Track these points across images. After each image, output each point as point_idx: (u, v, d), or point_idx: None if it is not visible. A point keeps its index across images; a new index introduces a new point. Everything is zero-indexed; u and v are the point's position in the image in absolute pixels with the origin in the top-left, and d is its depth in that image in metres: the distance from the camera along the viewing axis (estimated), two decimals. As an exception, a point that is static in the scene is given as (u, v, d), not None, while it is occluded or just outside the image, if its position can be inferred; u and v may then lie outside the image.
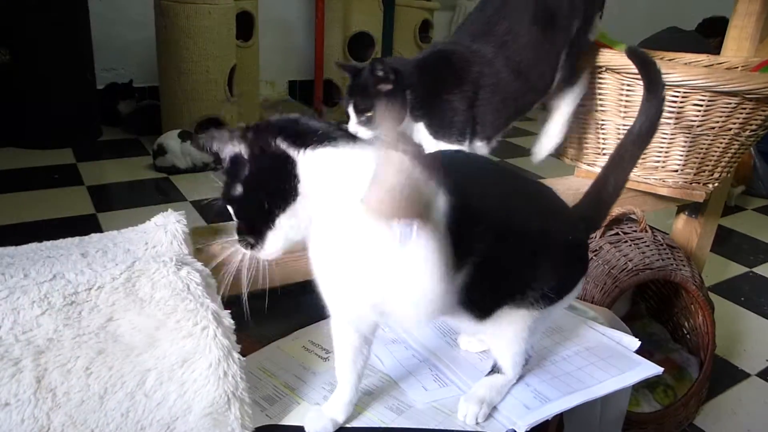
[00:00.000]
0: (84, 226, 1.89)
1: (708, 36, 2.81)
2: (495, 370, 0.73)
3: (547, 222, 0.68)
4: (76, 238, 0.81)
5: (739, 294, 1.90)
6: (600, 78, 1.14)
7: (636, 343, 0.80)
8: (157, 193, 2.33)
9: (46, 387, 0.58)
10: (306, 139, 0.58)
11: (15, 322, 0.63)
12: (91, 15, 2.66)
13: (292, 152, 0.57)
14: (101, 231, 1.74)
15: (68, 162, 2.50)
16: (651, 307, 1.50)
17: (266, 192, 0.58)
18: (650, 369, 0.74)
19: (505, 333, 0.70)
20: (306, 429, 0.66)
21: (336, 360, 0.67)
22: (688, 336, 1.42)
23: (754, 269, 2.10)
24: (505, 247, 0.64)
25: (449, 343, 0.81)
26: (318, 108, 3.19)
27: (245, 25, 2.78)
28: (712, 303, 1.31)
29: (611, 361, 0.76)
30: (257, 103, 3.07)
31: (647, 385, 1.32)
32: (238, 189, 0.59)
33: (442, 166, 0.57)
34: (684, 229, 1.52)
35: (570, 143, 1.29)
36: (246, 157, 0.58)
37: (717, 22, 2.84)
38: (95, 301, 0.66)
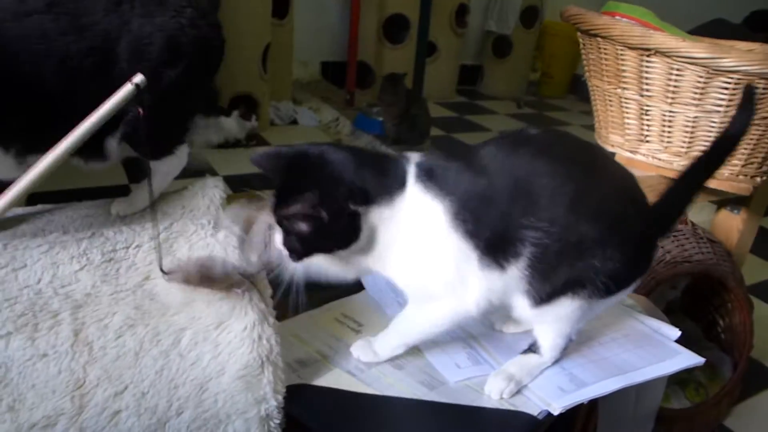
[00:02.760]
0: (117, 195, 1.91)
1: (756, 30, 2.72)
2: (531, 349, 0.71)
3: (624, 208, 0.66)
4: (113, 200, 0.82)
5: (776, 296, 1.85)
6: (647, 62, 1.11)
7: (676, 332, 0.78)
8: (189, 167, 2.34)
9: (83, 340, 0.59)
10: (370, 196, 0.62)
11: (54, 276, 0.64)
12: None
13: (360, 209, 0.62)
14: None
15: (103, 133, 2.53)
16: (685, 304, 1.47)
17: (332, 239, 0.63)
18: (690, 359, 0.72)
19: (554, 318, 0.68)
20: (353, 352, 0.71)
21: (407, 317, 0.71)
22: (722, 335, 1.38)
23: (794, 273, 2.04)
24: (568, 231, 0.62)
25: (483, 322, 0.79)
26: (350, 89, 3.16)
27: (281, 3, 2.77)
28: (751, 301, 1.27)
29: (649, 349, 0.74)
30: (290, 81, 3.06)
31: (678, 381, 1.29)
32: (303, 233, 0.62)
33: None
34: (724, 224, 1.47)
35: (612, 128, 1.26)
36: (318, 218, 0.60)
37: (765, 15, 2.75)
38: (133, 259, 0.66)
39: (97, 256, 0.65)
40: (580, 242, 0.63)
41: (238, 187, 0.97)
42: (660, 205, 0.73)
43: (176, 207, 0.77)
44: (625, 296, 0.73)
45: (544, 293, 0.65)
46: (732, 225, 1.46)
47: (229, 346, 0.60)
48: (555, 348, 0.70)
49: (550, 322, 0.69)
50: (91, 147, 0.71)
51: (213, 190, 0.79)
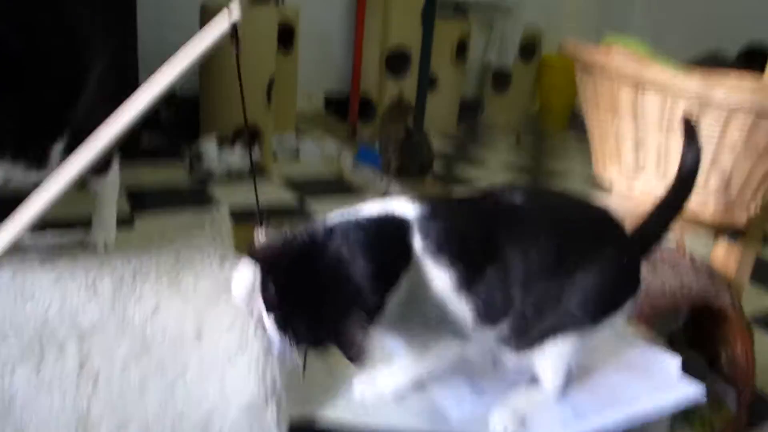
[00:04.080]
0: (121, 226, 1.92)
1: (749, 65, 2.76)
2: (533, 381, 0.72)
3: (598, 252, 0.68)
4: (122, 230, 0.83)
5: (777, 326, 1.85)
6: (642, 94, 1.13)
7: (677, 362, 0.78)
8: (192, 198, 2.36)
9: (88, 372, 0.60)
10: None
11: (62, 307, 0.65)
12: (138, 20, 2.73)
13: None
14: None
15: (108, 164, 2.56)
16: (687, 336, 1.47)
17: None
18: (692, 388, 0.72)
19: (548, 357, 0.71)
20: (356, 387, 0.70)
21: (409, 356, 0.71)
22: (725, 367, 1.37)
23: (794, 303, 2.04)
24: (549, 286, 0.66)
25: (485, 357, 0.80)
26: (353, 122, 3.21)
27: (286, 36, 2.83)
28: (752, 332, 1.27)
29: (651, 378, 0.75)
30: (294, 113, 3.11)
31: (684, 416, 1.28)
32: None
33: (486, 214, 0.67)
34: (722, 255, 1.48)
35: (609, 161, 1.28)
36: None
37: (758, 54, 2.80)
38: (140, 290, 0.67)
39: (105, 286, 0.66)
40: (561, 297, 0.66)
41: (242, 219, 0.99)
42: (641, 226, 0.78)
43: (183, 237, 0.79)
44: (620, 320, 0.74)
45: (526, 343, 0.69)
46: (730, 255, 1.47)
47: (235, 380, 0.60)
48: (557, 381, 0.71)
49: (545, 361, 0.71)
50: (35, 153, 0.69)
51: (219, 221, 0.81)
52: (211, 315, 0.64)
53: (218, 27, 0.58)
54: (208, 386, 0.59)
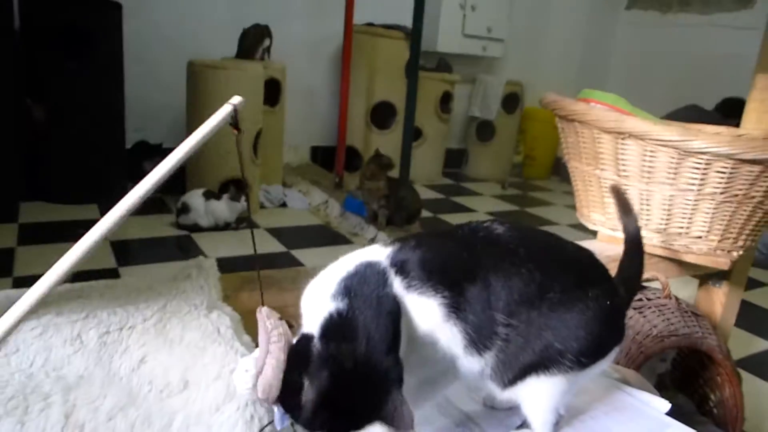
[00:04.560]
0: (107, 277, 1.91)
1: (727, 117, 2.86)
2: (524, 425, 0.71)
3: (584, 290, 0.68)
4: (108, 281, 0.83)
5: (765, 369, 1.85)
6: (623, 144, 1.17)
7: (666, 405, 0.78)
8: (178, 250, 2.36)
9: (73, 423, 0.58)
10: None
11: (47, 360, 0.64)
12: (125, 76, 2.78)
13: None
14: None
15: (93, 217, 2.52)
16: (676, 378, 1.47)
17: None
18: (682, 431, 0.72)
19: (535, 397, 0.70)
20: None
21: None
22: (714, 409, 1.37)
23: (781, 346, 2.05)
24: (533, 322, 0.66)
25: (475, 399, 0.79)
26: (339, 173, 3.25)
27: (272, 91, 2.89)
28: (739, 374, 1.28)
29: (641, 422, 0.74)
30: (280, 165, 3.14)
31: (675, 459, 1.27)
32: None
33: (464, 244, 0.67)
34: (707, 299, 1.50)
35: (593, 207, 1.31)
36: None
37: (736, 103, 2.90)
38: (126, 341, 0.66)
39: (90, 339, 0.65)
40: (542, 332, 0.66)
41: (228, 270, 0.99)
42: (621, 271, 0.80)
43: (170, 288, 0.78)
44: (606, 367, 0.74)
45: (507, 379, 0.68)
46: (715, 299, 1.49)
47: (222, 428, 0.59)
48: (546, 425, 0.71)
49: (532, 401, 0.70)
50: None
51: (206, 271, 0.81)
52: (198, 365, 0.64)
53: (222, 111, 0.62)
54: (195, 437, 0.59)
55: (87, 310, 0.70)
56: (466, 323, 0.64)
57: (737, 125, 1.48)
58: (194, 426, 0.60)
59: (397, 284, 0.64)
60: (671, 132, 1.10)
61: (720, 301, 1.49)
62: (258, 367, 0.59)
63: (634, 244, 0.84)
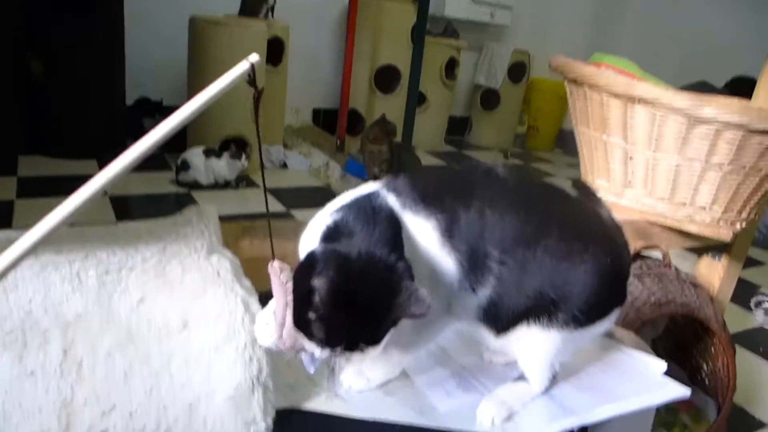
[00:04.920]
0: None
1: (736, 95, 2.82)
2: (521, 378, 0.72)
3: (582, 243, 0.67)
4: (108, 224, 0.82)
5: (758, 345, 1.87)
6: (632, 109, 1.15)
7: (663, 366, 0.78)
8: (177, 207, 2.34)
9: (72, 359, 0.58)
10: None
11: (45, 297, 0.64)
12: (126, 32, 2.74)
13: None
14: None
15: (92, 172, 2.51)
16: (669, 349, 1.48)
17: None
18: (677, 391, 0.73)
19: (531, 350, 0.70)
20: (343, 380, 0.70)
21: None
22: (706, 379, 1.39)
23: (774, 323, 2.07)
24: (528, 265, 0.65)
25: (473, 352, 0.80)
26: (341, 136, 3.22)
27: (275, 51, 2.85)
28: (733, 345, 1.28)
29: (637, 380, 0.75)
30: (281, 127, 3.12)
31: (663, 423, 1.29)
32: None
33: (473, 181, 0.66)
34: (706, 272, 1.50)
35: (597, 174, 1.30)
36: None
37: (746, 82, 2.86)
38: (126, 281, 0.66)
39: (89, 278, 0.65)
40: (536, 276, 0.65)
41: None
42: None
43: (170, 232, 0.78)
44: (605, 328, 0.74)
45: (501, 323, 0.68)
46: (713, 272, 1.49)
47: (221, 368, 0.59)
48: (542, 378, 0.71)
49: (526, 354, 0.70)
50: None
51: (207, 217, 0.80)
52: (197, 306, 0.63)
53: (238, 68, 0.60)
54: (193, 375, 0.58)
55: (86, 250, 0.69)
56: (459, 253, 0.63)
57: (746, 103, 1.46)
58: (193, 365, 0.60)
59: (393, 202, 0.64)
60: (682, 98, 1.08)
61: (718, 275, 1.48)
62: (279, 318, 0.58)
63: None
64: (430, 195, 0.65)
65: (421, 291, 0.57)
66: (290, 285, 0.59)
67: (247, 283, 0.68)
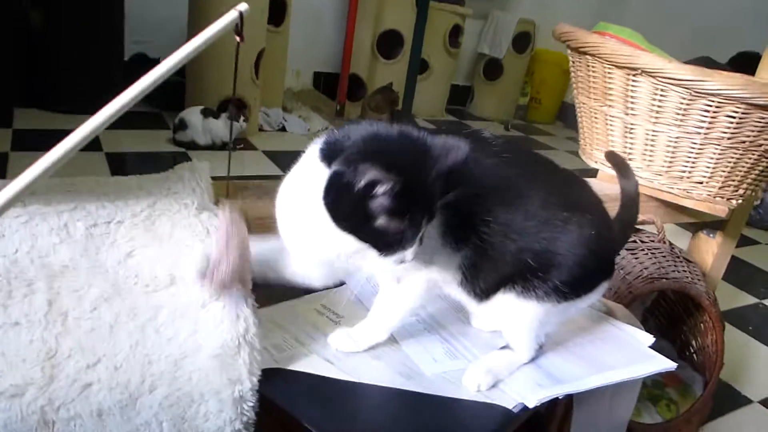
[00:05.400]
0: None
1: (739, 71, 2.78)
2: (507, 347, 0.72)
3: (570, 212, 0.66)
4: (99, 177, 0.81)
5: (747, 323, 1.89)
6: (633, 81, 1.13)
7: (650, 339, 0.79)
8: (174, 165, 2.33)
9: (57, 310, 0.58)
10: None
11: (32, 247, 0.63)
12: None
13: None
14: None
15: (89, 127, 2.52)
16: (660, 324, 1.49)
17: None
18: (664, 363, 0.73)
19: (514, 320, 0.70)
20: (330, 342, 0.70)
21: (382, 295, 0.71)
22: (695, 355, 1.40)
23: (764, 301, 2.08)
24: (507, 227, 0.64)
25: (461, 319, 0.80)
26: (341, 101, 3.18)
27: (278, 11, 2.79)
28: (723, 322, 1.29)
29: (625, 352, 0.75)
30: (281, 89, 3.08)
31: (650, 397, 1.30)
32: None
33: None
34: (700, 248, 1.50)
35: (596, 145, 1.28)
36: None
37: (750, 57, 2.82)
38: (114, 234, 0.65)
39: (77, 230, 0.64)
40: (517, 240, 0.64)
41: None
42: (623, 213, 0.80)
43: (161, 188, 0.76)
44: (593, 302, 0.73)
45: (479, 288, 0.67)
46: (707, 249, 1.49)
47: (207, 324, 0.59)
48: (527, 348, 0.71)
49: (510, 323, 0.70)
50: None
51: (199, 173, 0.79)
52: (185, 262, 0.63)
53: (226, 17, 0.58)
54: (179, 331, 0.58)
55: (75, 202, 0.68)
56: (447, 206, 0.61)
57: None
58: (179, 320, 0.60)
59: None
60: (685, 71, 1.06)
61: (712, 252, 1.49)
62: (213, 262, 0.59)
63: (630, 201, 0.83)
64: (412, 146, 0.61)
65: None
66: (235, 234, 0.60)
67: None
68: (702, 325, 1.35)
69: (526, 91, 4.15)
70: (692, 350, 1.41)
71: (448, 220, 0.63)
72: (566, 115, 4.21)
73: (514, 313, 0.68)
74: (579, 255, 0.65)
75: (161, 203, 0.69)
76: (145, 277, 0.61)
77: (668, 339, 1.45)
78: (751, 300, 2.07)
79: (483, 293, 0.67)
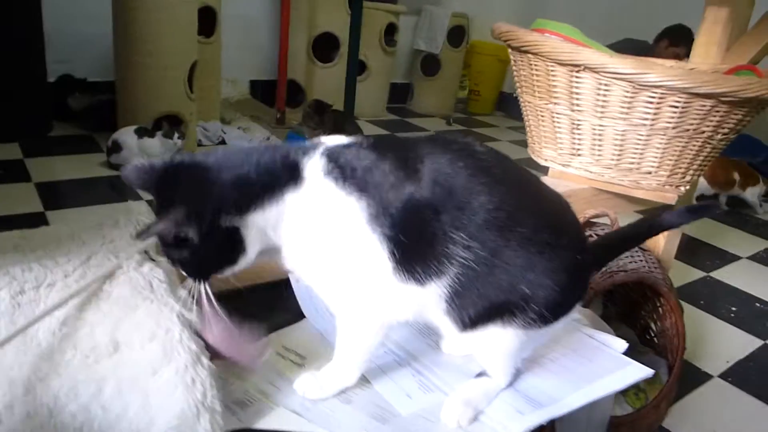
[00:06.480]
0: (32, 224, 1.77)
1: (676, 44, 2.86)
2: (483, 373, 0.69)
3: (556, 235, 0.62)
4: (22, 231, 0.73)
5: (698, 298, 1.94)
6: (577, 77, 1.13)
7: (623, 345, 0.77)
8: (111, 192, 2.21)
9: (-15, 398, 0.51)
10: (247, 203, 0.57)
11: (-49, 325, 0.56)
12: (43, 5, 2.53)
13: (237, 220, 0.57)
14: (50, 229, 1.59)
15: (15, 157, 2.36)
16: (618, 311, 1.50)
17: (214, 258, 0.59)
18: (641, 371, 0.72)
19: (493, 348, 0.66)
20: (297, 389, 0.66)
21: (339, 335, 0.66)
22: (655, 339, 1.41)
23: (711, 274, 2.15)
24: (498, 255, 0.59)
25: (430, 345, 0.77)
26: (281, 108, 3.11)
27: (207, 21, 2.70)
28: (681, 306, 1.31)
29: (600, 362, 0.74)
30: (218, 100, 2.98)
31: (619, 389, 1.31)
32: (181, 256, 0.58)
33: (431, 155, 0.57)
34: (651, 233, 1.52)
35: (544, 143, 1.28)
36: (187, 239, 0.56)
37: (678, 31, 2.90)
38: (45, 300, 0.59)
39: (2, 300, 0.57)
40: (509, 267, 0.60)
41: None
42: (598, 245, 0.77)
43: (95, 237, 0.70)
44: (565, 323, 0.71)
45: (468, 318, 0.62)
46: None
47: (159, 394, 0.54)
48: (506, 374, 0.68)
49: (488, 351, 0.67)
50: None
51: (135, 216, 0.73)
52: (129, 324, 0.57)
53: None
54: (129, 405, 0.53)
55: (-4, 266, 0.62)
56: (395, 235, 0.57)
57: (671, 52, 1.46)
58: (128, 393, 0.54)
59: (313, 163, 0.59)
60: (626, 65, 1.06)
61: (663, 235, 1.51)
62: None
63: (644, 229, 0.80)
64: (372, 167, 0.58)
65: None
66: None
67: (184, 293, 0.62)
68: (660, 309, 1.37)
69: (464, 84, 4.17)
70: (652, 334, 1.43)
71: (399, 255, 0.58)
72: (505, 105, 4.25)
73: (494, 340, 0.64)
74: (563, 280, 0.62)
75: (96, 258, 0.63)
76: (84, 347, 0.55)
77: (628, 324, 1.46)
78: (699, 274, 2.13)
79: (470, 323, 0.63)
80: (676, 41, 2.85)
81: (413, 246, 0.58)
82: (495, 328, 0.63)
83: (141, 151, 2.34)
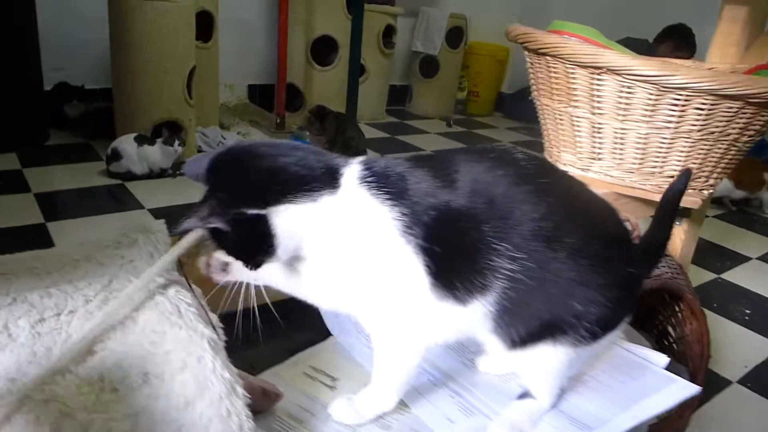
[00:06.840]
0: (33, 236, 1.73)
1: (672, 43, 2.84)
2: (526, 394, 0.66)
3: (607, 247, 0.59)
4: (34, 252, 0.69)
5: (711, 300, 1.91)
6: (598, 80, 1.10)
7: (664, 359, 0.74)
8: (111, 201, 2.17)
9: (8, 438, 0.48)
10: (273, 196, 0.56)
11: (-34, 358, 0.52)
12: (38, 11, 2.48)
13: (264, 212, 0.56)
14: (52, 242, 1.56)
15: (13, 167, 2.32)
16: (637, 314, 1.47)
17: (248, 247, 0.59)
18: (689, 388, 0.69)
19: (541, 367, 0.63)
20: (332, 415, 0.63)
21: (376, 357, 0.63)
22: (675, 345, 1.39)
23: (722, 275, 2.12)
24: (547, 268, 0.56)
25: (465, 363, 0.73)
26: (280, 112, 3.07)
27: (205, 26, 2.66)
28: (703, 311, 1.28)
29: (644, 380, 0.71)
30: (217, 106, 2.94)
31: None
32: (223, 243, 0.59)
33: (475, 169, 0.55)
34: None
35: (563, 147, 1.25)
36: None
37: (677, 30, 2.88)
38: (66, 329, 0.55)
39: (20, 329, 0.54)
40: (559, 281, 0.56)
41: (170, 222, 0.87)
42: (644, 239, 0.72)
43: (113, 258, 0.66)
44: (611, 339, 0.68)
45: (517, 336, 0.59)
46: (675, 236, 1.49)
47: (194, 428, 0.50)
48: (552, 394, 0.65)
49: (535, 370, 0.63)
50: None
51: (155, 235, 0.69)
52: (158, 353, 0.54)
53: None
54: (162, 442, 0.49)
55: (13, 292, 0.58)
56: (434, 249, 0.54)
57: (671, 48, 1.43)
58: (161, 426, 0.50)
59: (350, 171, 0.58)
60: (651, 67, 1.03)
61: (680, 238, 1.48)
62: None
63: (668, 209, 0.76)
64: (406, 174, 0.56)
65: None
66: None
67: (214, 317, 0.59)
68: (680, 314, 1.34)
69: (463, 85, 4.14)
70: (671, 340, 1.40)
71: (441, 267, 0.55)
72: (504, 106, 4.23)
73: (542, 359, 0.61)
74: (615, 294, 0.59)
75: (117, 281, 0.59)
76: (113, 379, 0.52)
77: (646, 329, 1.44)
78: (710, 276, 2.11)
79: (520, 341, 0.60)
80: (680, 45, 2.82)
81: (451, 259, 0.54)
82: (545, 346, 0.60)
83: (141, 159, 2.31)
